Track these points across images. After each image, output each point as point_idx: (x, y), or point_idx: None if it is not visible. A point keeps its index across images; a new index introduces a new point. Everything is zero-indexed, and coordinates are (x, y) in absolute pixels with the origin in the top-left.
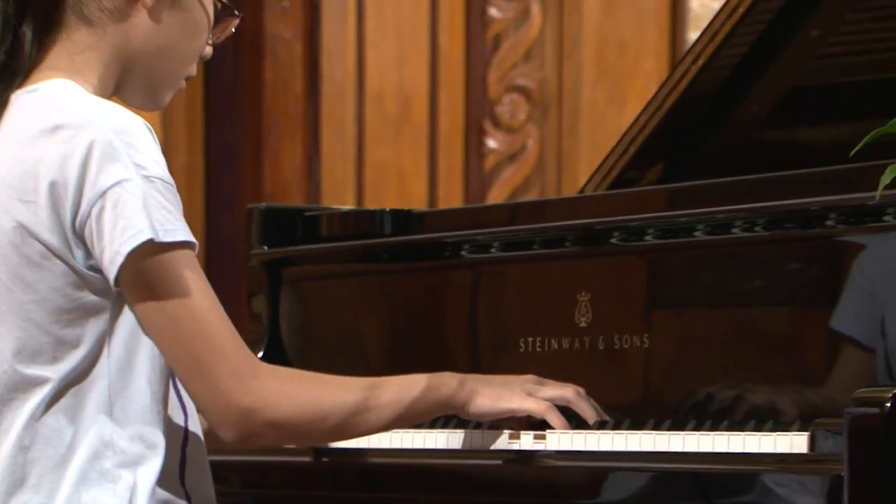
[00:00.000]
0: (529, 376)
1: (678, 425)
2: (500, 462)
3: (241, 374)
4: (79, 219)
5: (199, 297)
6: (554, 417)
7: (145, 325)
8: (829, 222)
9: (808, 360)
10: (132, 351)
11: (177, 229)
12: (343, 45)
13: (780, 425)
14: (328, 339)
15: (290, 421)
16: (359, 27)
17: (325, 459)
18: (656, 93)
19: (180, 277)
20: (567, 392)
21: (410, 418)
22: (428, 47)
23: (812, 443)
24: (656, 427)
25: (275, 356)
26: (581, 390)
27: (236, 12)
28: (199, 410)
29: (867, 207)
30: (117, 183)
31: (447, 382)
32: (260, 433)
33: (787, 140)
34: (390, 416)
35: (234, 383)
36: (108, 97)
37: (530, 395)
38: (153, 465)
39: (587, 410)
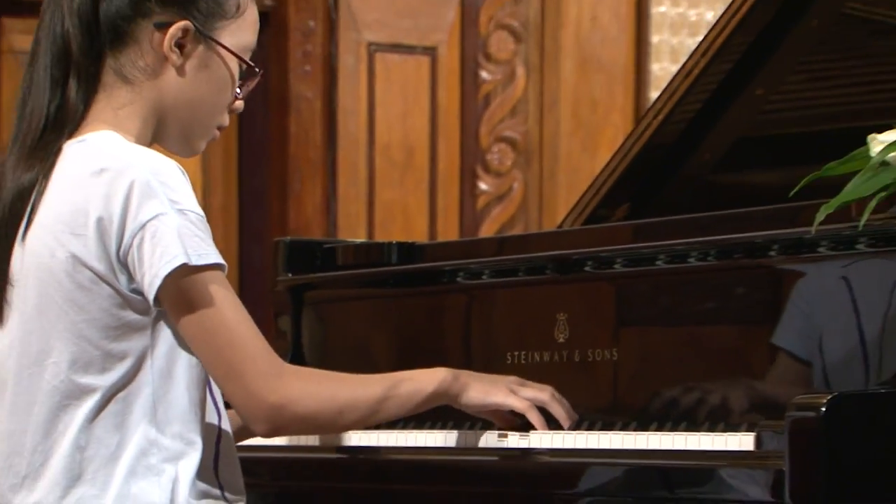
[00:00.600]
0: (513, 377)
1: (643, 426)
2: (489, 458)
3: (268, 375)
4: (122, 249)
5: (229, 310)
6: (534, 415)
7: (184, 337)
8: (771, 253)
9: (754, 370)
10: (172, 362)
11: (208, 253)
12: (356, 102)
13: (731, 426)
14: (343, 353)
15: (313, 414)
16: (370, 87)
17: (340, 455)
18: (623, 143)
19: (212, 294)
20: (544, 395)
21: (415, 408)
22: (428, 104)
23: (758, 442)
24: (624, 428)
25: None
26: (556, 393)
27: (257, 70)
28: (233, 409)
29: (804, 240)
30: (155, 217)
31: (444, 376)
32: (287, 426)
33: (735, 183)
34: (399, 408)
35: (263, 384)
36: (148, 145)
37: (514, 393)
38: (192, 460)
39: (560, 412)
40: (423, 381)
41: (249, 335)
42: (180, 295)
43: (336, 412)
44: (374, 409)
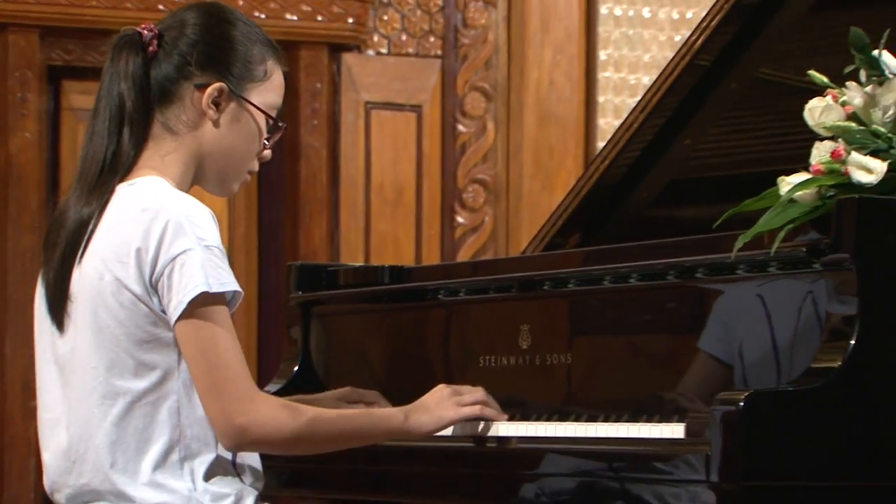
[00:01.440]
0: (443, 387)
1: (593, 418)
2: (470, 444)
3: (241, 399)
4: (154, 276)
5: (224, 338)
6: (488, 412)
7: (182, 352)
8: (698, 275)
9: (684, 372)
10: None
11: (227, 282)
12: (355, 150)
13: (664, 417)
14: (344, 357)
15: (271, 439)
16: (366, 138)
17: None
18: (575, 184)
19: (214, 322)
20: (480, 395)
21: (368, 442)
22: (415, 152)
23: (688, 431)
24: (577, 419)
25: (306, 369)
26: (485, 392)
27: (281, 124)
28: (208, 420)
29: (725, 265)
30: (184, 252)
31: (395, 415)
32: (247, 446)
33: (668, 217)
34: (352, 441)
35: (235, 405)
36: (189, 187)
37: (459, 404)
38: (208, 456)
39: (495, 405)
40: (377, 420)
41: (235, 362)
42: (190, 318)
43: (292, 441)
44: (329, 443)
